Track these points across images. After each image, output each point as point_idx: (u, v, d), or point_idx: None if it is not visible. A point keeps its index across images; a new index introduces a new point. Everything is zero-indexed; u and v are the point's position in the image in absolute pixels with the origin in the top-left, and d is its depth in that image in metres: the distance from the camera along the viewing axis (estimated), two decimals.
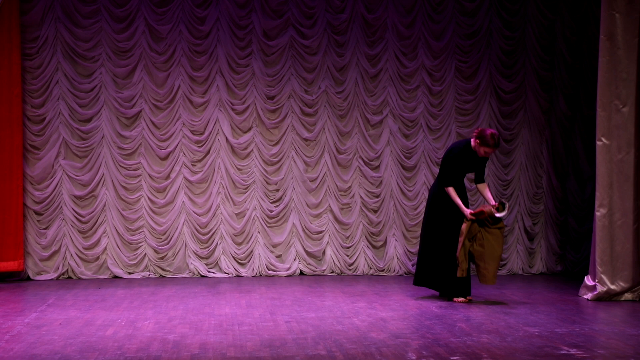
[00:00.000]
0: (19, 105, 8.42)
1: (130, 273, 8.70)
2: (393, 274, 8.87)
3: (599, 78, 7.03)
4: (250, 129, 8.87)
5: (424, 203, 8.95)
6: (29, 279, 8.54)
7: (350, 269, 8.92)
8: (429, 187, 8.99)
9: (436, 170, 9.01)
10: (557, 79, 9.03)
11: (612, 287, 6.95)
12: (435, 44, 8.95)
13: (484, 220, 6.64)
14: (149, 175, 8.76)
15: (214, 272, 8.78)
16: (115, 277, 8.67)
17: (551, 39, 9.02)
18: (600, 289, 6.96)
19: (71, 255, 8.62)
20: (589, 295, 7.03)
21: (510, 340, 5.25)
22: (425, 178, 8.98)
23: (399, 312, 6.42)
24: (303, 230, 8.88)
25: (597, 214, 7.03)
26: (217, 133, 8.84)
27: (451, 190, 6.76)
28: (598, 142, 7.06)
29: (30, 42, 8.53)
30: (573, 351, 4.93)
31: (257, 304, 6.85)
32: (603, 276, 6.95)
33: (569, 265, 9.03)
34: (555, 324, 5.85)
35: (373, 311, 6.45)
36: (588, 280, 7.13)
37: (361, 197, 8.94)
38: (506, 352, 4.90)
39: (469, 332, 5.56)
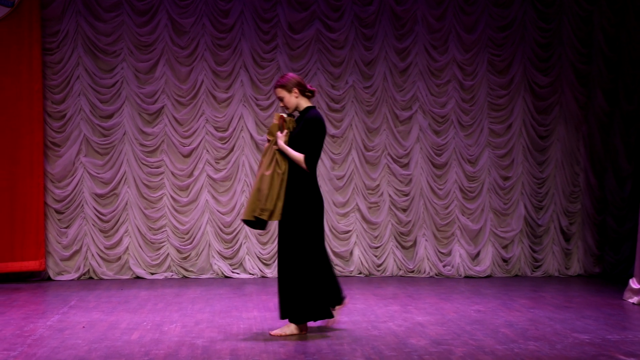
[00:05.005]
0: (39, 101, 8.23)
1: (152, 273, 8.47)
2: (423, 275, 8.58)
3: None
4: None
5: (455, 202, 8.66)
6: (49, 279, 8.34)
7: (378, 270, 8.63)
8: (460, 185, 8.71)
9: (468, 168, 8.72)
10: (595, 72, 8.70)
11: None
12: (466, 37, 8.66)
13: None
14: (172, 172, 8.53)
15: (238, 273, 8.53)
16: (138, 277, 8.44)
17: (588, 31, 8.69)
18: None
19: (92, 255, 8.41)
20: (634, 299, 6.71)
21: (560, 348, 4.94)
22: (456, 176, 8.68)
23: (436, 316, 6.12)
24: (330, 229, 8.61)
25: None
26: (242, 129, 8.60)
27: None
28: None
29: (51, 36, 8.34)
30: None
31: None
32: None
33: (607, 267, 8.70)
34: (605, 330, 5.53)
35: (408, 315, 6.16)
36: (633, 284, 6.81)
37: (390, 195, 8.65)
38: None
39: (514, 338, 5.25)
